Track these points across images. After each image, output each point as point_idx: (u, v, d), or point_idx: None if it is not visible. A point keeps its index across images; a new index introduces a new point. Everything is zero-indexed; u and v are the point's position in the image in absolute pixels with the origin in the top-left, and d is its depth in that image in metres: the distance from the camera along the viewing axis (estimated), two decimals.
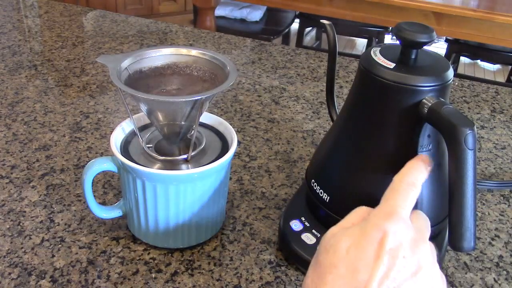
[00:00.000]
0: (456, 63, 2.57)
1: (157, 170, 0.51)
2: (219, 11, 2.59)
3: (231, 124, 0.58)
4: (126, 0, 3.03)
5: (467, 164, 0.39)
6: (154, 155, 0.53)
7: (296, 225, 0.55)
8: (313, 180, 0.55)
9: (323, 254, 0.37)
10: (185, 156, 0.53)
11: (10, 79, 0.91)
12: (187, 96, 0.49)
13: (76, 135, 0.75)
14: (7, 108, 0.81)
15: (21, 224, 0.58)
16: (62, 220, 0.59)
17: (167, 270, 0.53)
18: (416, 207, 0.40)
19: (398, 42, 0.48)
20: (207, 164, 0.51)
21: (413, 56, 0.47)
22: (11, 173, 0.66)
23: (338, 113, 0.57)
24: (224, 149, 0.55)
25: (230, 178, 0.67)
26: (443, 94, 0.46)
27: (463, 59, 2.96)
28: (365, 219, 0.38)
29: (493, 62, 3.11)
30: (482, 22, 1.66)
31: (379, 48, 0.49)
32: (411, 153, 0.47)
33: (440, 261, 0.54)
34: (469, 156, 0.39)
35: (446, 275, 0.54)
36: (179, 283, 0.52)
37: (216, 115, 0.59)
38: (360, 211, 0.40)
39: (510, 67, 2.67)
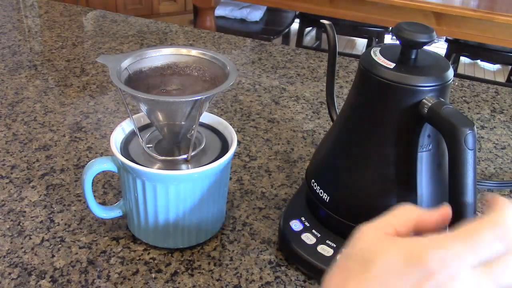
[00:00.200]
0: (456, 63, 2.57)
1: (157, 170, 0.51)
2: (219, 11, 2.58)
3: (231, 124, 0.58)
4: (126, 0, 3.03)
5: (467, 164, 0.39)
6: (154, 155, 0.53)
7: (296, 225, 0.55)
8: (313, 180, 0.55)
9: (356, 261, 0.33)
10: (185, 156, 0.53)
11: (10, 79, 0.91)
12: (187, 96, 0.49)
13: (76, 135, 0.75)
14: (7, 108, 0.81)
15: (21, 224, 0.58)
16: (62, 220, 0.59)
17: (167, 270, 0.53)
18: None
19: (398, 42, 0.48)
20: (207, 164, 0.51)
21: (413, 56, 0.48)
22: (11, 173, 0.66)
23: (338, 113, 0.57)
24: (224, 149, 0.55)
25: (230, 178, 0.67)
26: (443, 94, 0.46)
27: (463, 59, 2.95)
28: (417, 241, 0.31)
29: (493, 62, 3.10)
30: (482, 22, 1.66)
31: (379, 48, 0.49)
32: (411, 153, 0.47)
33: None
34: (469, 156, 0.39)
35: None
36: (179, 283, 0.52)
37: (216, 115, 0.59)
38: (410, 214, 0.34)
39: (510, 67, 2.67)
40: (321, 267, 0.51)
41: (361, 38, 3.14)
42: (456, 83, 1.00)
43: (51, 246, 0.55)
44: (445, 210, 0.34)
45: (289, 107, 0.87)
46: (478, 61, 3.41)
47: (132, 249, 0.55)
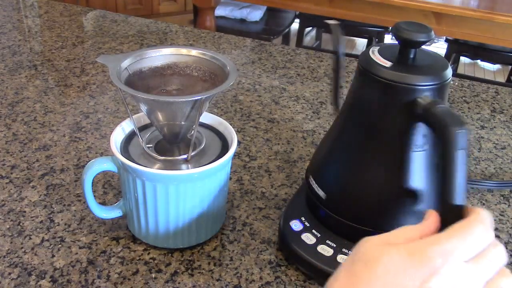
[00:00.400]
0: (456, 63, 2.57)
1: (157, 170, 0.51)
2: (219, 11, 2.58)
3: (231, 124, 0.58)
4: (126, 0, 3.03)
5: (458, 164, 0.39)
6: (154, 155, 0.53)
7: (296, 225, 0.55)
8: (313, 180, 0.55)
9: (360, 264, 0.34)
10: (185, 156, 0.53)
11: (10, 79, 0.91)
12: (187, 96, 0.49)
13: (76, 135, 0.75)
14: (7, 108, 0.81)
15: (21, 224, 0.58)
16: (62, 220, 0.59)
17: (167, 270, 0.53)
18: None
19: (397, 41, 0.48)
20: (207, 164, 0.51)
21: (411, 56, 0.48)
22: (11, 173, 0.66)
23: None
24: (224, 149, 0.55)
25: (230, 178, 0.67)
26: (442, 93, 0.46)
27: (463, 59, 2.95)
28: (416, 242, 0.34)
29: (493, 62, 3.10)
30: (482, 22, 1.66)
31: (378, 48, 0.49)
32: (406, 152, 0.47)
33: None
34: (460, 156, 0.39)
35: None
36: (179, 283, 0.52)
37: (216, 115, 0.59)
38: (409, 232, 0.36)
39: (510, 67, 2.67)
40: (321, 267, 0.51)
41: (361, 38, 3.13)
42: (456, 83, 1.00)
43: (51, 246, 0.55)
44: (435, 217, 0.37)
45: (289, 107, 0.87)
46: (478, 61, 3.41)
47: (132, 249, 0.55)
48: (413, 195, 0.48)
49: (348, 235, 0.52)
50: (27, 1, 1.32)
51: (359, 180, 0.51)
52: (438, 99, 0.44)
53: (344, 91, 0.93)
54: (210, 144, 0.56)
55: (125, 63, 0.53)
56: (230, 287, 0.52)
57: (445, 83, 0.46)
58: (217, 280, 0.52)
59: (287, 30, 2.65)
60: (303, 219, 0.56)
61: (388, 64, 0.46)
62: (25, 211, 0.60)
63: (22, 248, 0.55)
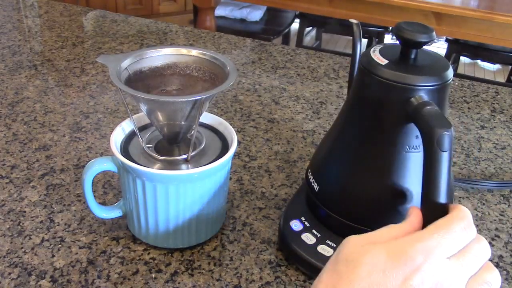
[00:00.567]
0: (456, 63, 2.57)
1: (157, 170, 0.51)
2: (219, 11, 2.58)
3: (231, 124, 0.58)
4: (126, 0, 3.03)
5: (441, 166, 0.38)
6: (154, 155, 0.53)
7: (296, 225, 0.55)
8: (313, 180, 0.55)
9: (343, 264, 0.34)
10: (185, 156, 0.53)
11: (10, 79, 0.91)
12: (187, 96, 0.49)
13: (76, 135, 0.75)
14: (7, 108, 0.81)
15: (21, 224, 0.58)
16: (62, 220, 0.59)
17: (167, 270, 0.53)
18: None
19: (398, 42, 0.48)
20: (207, 164, 0.51)
21: (412, 56, 0.47)
22: (11, 173, 0.66)
23: None
24: (224, 149, 0.55)
25: (230, 178, 0.67)
26: (443, 93, 0.46)
27: (463, 59, 2.96)
28: (398, 240, 0.34)
29: (493, 62, 3.10)
30: (482, 22, 1.66)
31: (379, 48, 0.49)
32: (400, 153, 0.47)
33: None
34: (443, 158, 0.38)
35: None
36: (179, 283, 0.52)
37: (216, 115, 0.59)
38: (393, 231, 0.36)
39: (510, 67, 2.67)
40: (321, 267, 0.50)
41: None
42: (456, 83, 1.00)
43: (51, 246, 0.55)
44: (418, 214, 0.38)
45: (289, 107, 0.87)
46: (478, 61, 3.41)
47: (132, 249, 0.55)
48: (413, 195, 0.48)
49: (348, 235, 0.52)
50: (27, 1, 1.32)
51: (359, 180, 0.51)
52: (429, 100, 0.44)
53: (345, 91, 0.93)
54: (210, 144, 0.56)
55: (125, 63, 0.53)
56: (230, 287, 0.52)
57: (446, 84, 0.46)
58: (217, 280, 0.52)
59: (287, 30, 2.65)
60: (303, 219, 0.56)
61: (389, 64, 0.46)
62: (25, 211, 0.60)
63: (22, 248, 0.55)
